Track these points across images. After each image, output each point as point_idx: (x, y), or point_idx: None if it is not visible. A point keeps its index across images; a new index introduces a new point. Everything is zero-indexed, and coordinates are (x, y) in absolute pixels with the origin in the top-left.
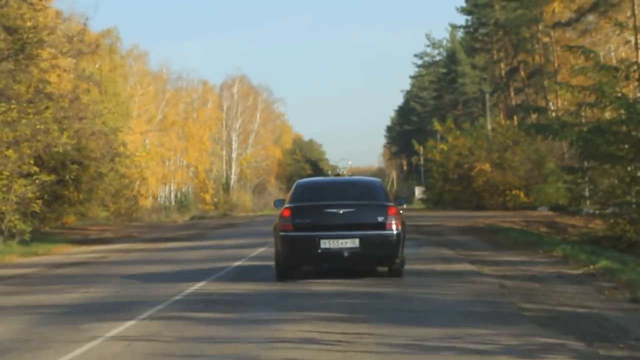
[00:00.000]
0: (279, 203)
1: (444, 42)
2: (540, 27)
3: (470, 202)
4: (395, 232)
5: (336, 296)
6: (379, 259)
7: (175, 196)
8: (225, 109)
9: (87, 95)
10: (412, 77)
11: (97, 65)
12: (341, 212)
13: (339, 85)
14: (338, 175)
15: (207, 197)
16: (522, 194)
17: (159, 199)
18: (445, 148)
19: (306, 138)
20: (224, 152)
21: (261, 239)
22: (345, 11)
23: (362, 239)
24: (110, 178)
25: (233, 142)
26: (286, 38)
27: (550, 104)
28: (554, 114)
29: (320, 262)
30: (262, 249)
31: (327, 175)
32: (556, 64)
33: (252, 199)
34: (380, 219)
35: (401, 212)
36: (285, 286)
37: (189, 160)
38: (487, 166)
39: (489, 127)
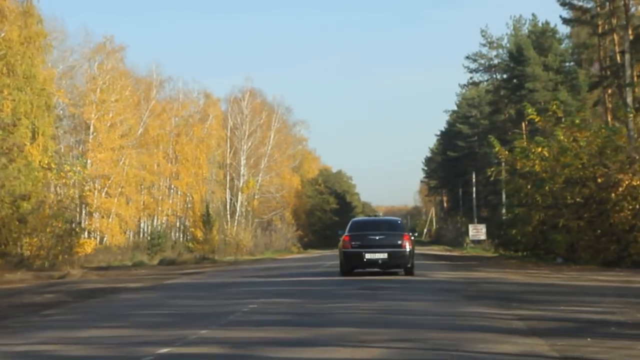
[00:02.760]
0: (341, 232)
1: (504, 40)
2: None
3: (603, 251)
4: (407, 250)
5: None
6: (398, 265)
7: (163, 231)
8: (230, 126)
9: None
10: (463, 86)
11: (1, 34)
12: (377, 237)
13: (375, 121)
14: (376, 216)
15: (198, 233)
16: None
17: (142, 234)
18: (547, 154)
19: (335, 170)
20: (228, 179)
21: None
22: (384, 50)
23: (389, 253)
24: None
25: (241, 168)
26: (322, 74)
27: None
28: None
29: (365, 266)
30: None
31: (369, 215)
32: None
33: (254, 237)
34: (399, 242)
35: (412, 237)
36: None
37: (181, 187)
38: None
39: (631, 111)
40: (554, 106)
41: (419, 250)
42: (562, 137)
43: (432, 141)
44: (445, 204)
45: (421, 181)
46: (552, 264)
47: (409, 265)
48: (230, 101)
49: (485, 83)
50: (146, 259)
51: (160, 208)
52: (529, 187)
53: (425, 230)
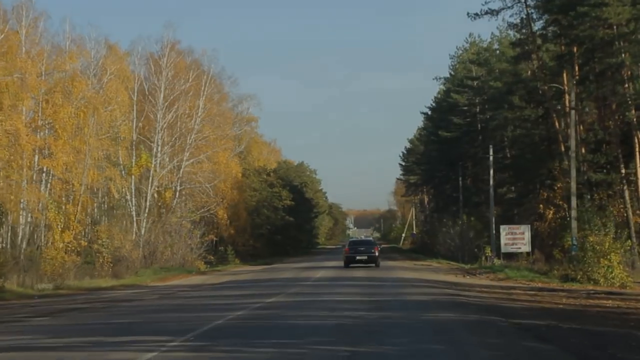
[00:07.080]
0: (343, 247)
1: None
2: None
3: None
4: (377, 254)
5: (360, 269)
6: (372, 262)
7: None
8: (138, 88)
9: None
10: (472, 16)
11: None
12: (362, 248)
13: (351, 125)
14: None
15: (67, 236)
16: None
17: None
18: None
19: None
20: (134, 161)
21: None
22: (361, 58)
23: (368, 256)
24: None
25: (157, 147)
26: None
27: None
28: None
29: (356, 263)
30: None
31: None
32: None
33: (147, 244)
34: (372, 250)
35: (379, 248)
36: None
37: (55, 170)
38: None
39: None
40: None
41: (403, 274)
42: None
43: (411, 133)
44: (427, 204)
45: (397, 179)
46: None
47: (378, 262)
48: (139, 53)
49: (505, 16)
50: None
51: (23, 200)
52: None
53: (403, 235)
